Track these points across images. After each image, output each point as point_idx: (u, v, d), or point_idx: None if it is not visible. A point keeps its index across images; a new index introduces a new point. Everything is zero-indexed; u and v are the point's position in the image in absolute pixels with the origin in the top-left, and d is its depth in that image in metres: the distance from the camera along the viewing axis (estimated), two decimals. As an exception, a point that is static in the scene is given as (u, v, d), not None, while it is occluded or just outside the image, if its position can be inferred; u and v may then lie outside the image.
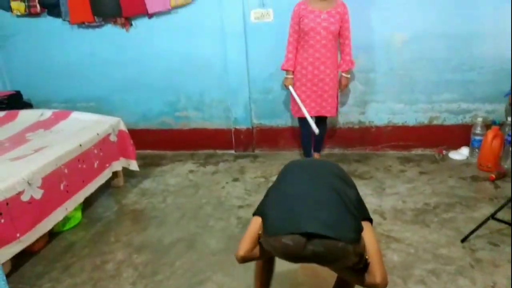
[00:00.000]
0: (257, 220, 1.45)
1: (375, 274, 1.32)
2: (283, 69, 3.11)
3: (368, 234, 1.38)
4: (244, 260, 1.44)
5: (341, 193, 1.42)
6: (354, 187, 1.58)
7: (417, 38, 3.30)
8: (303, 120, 3.17)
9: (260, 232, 1.42)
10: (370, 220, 1.49)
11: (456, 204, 2.72)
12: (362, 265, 1.35)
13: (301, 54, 3.02)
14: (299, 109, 3.10)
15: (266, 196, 1.57)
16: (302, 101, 3.09)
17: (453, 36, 3.24)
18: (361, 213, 1.45)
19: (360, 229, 1.34)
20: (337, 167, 1.69)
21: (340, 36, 3.01)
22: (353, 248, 1.28)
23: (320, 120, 3.23)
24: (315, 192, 1.43)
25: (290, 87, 3.12)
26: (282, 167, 1.72)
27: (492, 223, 2.26)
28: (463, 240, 2.30)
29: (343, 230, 1.28)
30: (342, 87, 3.18)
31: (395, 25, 3.29)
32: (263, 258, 1.59)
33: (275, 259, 1.72)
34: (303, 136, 3.35)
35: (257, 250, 1.46)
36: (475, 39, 3.23)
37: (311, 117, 3.09)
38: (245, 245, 1.43)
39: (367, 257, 1.34)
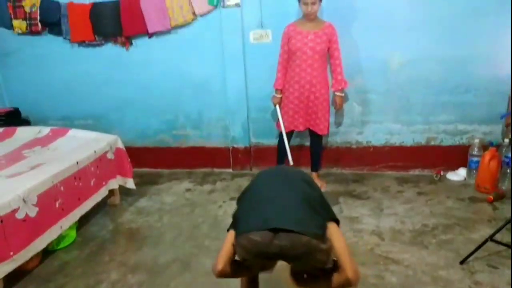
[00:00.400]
0: (232, 234, 1.47)
1: (345, 269, 1.32)
2: (274, 87, 3.23)
3: (334, 233, 1.41)
4: (221, 274, 1.43)
5: (306, 195, 1.50)
6: (318, 191, 1.63)
7: (413, 60, 3.34)
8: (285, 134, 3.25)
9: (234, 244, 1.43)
10: (337, 222, 1.51)
11: (454, 226, 2.70)
12: (331, 265, 1.37)
13: (289, 73, 3.12)
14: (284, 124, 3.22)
15: (238, 205, 1.63)
16: (290, 116, 3.19)
17: (449, 59, 3.28)
18: (327, 214, 1.50)
19: (324, 226, 1.39)
20: (303, 173, 1.74)
21: (330, 57, 3.10)
22: (317, 243, 1.31)
23: (313, 136, 3.30)
24: (282, 193, 1.50)
25: (277, 106, 3.24)
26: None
27: (490, 245, 2.25)
28: (462, 262, 2.27)
29: (308, 226, 1.34)
30: (337, 106, 3.23)
31: (391, 48, 3.34)
32: (240, 275, 1.58)
33: (258, 280, 1.72)
34: (279, 145, 3.36)
35: (233, 267, 1.45)
36: (470, 62, 3.27)
37: (300, 131, 3.23)
38: (222, 259, 1.42)
39: (334, 258, 1.36)
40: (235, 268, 1.45)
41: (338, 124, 3.61)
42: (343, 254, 1.35)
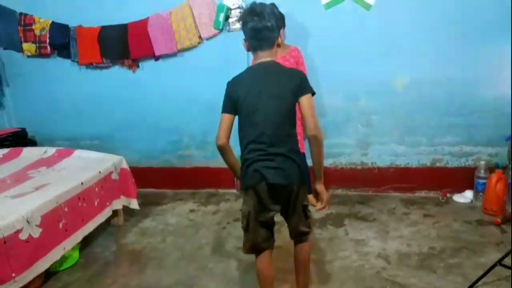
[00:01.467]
0: (227, 116, 1.90)
1: (308, 122, 1.73)
2: None
3: (304, 100, 1.76)
4: (223, 147, 1.85)
5: (290, 122, 1.83)
6: (303, 82, 1.82)
7: (418, 82, 3.36)
8: None
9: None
10: (312, 93, 1.80)
11: (462, 249, 2.66)
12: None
13: None
14: None
15: (229, 100, 1.93)
16: None
17: (454, 81, 3.30)
18: (302, 93, 1.78)
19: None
20: (294, 75, 1.87)
21: None
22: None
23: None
24: (267, 129, 1.81)
25: None
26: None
27: (499, 269, 2.20)
28: (470, 287, 2.22)
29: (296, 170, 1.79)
30: None
31: (396, 70, 3.37)
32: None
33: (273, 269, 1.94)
34: None
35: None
36: (475, 83, 3.29)
37: None
38: (222, 133, 1.85)
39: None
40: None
41: (344, 146, 3.61)
42: (307, 111, 1.74)
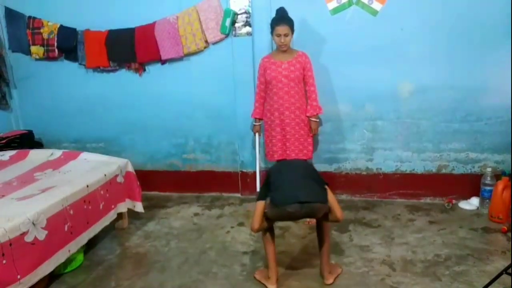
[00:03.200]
0: (261, 203, 2.28)
1: (336, 212, 2.31)
2: (252, 117, 3.37)
3: (328, 193, 2.31)
4: (258, 231, 2.32)
5: (312, 176, 2.40)
6: (315, 172, 2.54)
7: (424, 89, 3.36)
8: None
9: (265, 211, 2.25)
10: (328, 184, 2.40)
11: (467, 257, 2.64)
12: (328, 211, 2.31)
13: (268, 102, 3.24)
14: (274, 153, 3.28)
15: (266, 186, 2.36)
16: (273, 145, 3.27)
17: (460, 87, 3.29)
18: (322, 183, 2.37)
19: (326, 194, 2.28)
20: (305, 162, 2.79)
21: (305, 84, 3.18)
22: (324, 205, 2.26)
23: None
24: (298, 177, 2.35)
25: (256, 135, 3.41)
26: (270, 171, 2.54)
27: (505, 278, 2.17)
28: (476, 296, 2.20)
29: (318, 196, 2.25)
30: (313, 131, 3.27)
31: (402, 76, 3.37)
32: (266, 227, 2.35)
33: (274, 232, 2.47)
34: None
35: (264, 224, 2.29)
36: (481, 90, 3.27)
37: (278, 160, 3.24)
38: (256, 221, 2.27)
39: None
40: (265, 224, 2.31)
41: (348, 151, 3.61)
42: (334, 204, 2.30)
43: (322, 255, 2.43)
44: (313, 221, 3.16)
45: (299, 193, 2.18)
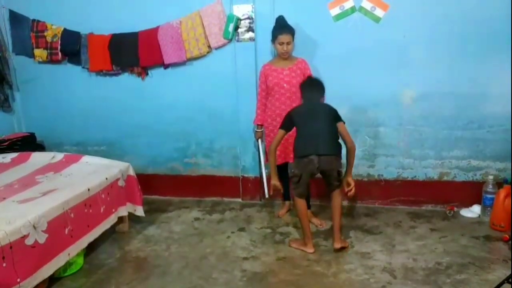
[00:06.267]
0: (282, 132, 2.84)
1: (347, 141, 2.80)
2: (254, 124, 3.41)
3: (341, 126, 2.81)
4: (274, 151, 2.87)
5: (330, 128, 2.79)
6: (336, 115, 2.86)
7: (426, 96, 3.36)
8: (280, 166, 3.22)
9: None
10: (343, 121, 2.84)
11: (469, 265, 2.62)
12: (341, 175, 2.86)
13: (269, 108, 3.28)
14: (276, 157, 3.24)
15: (290, 123, 2.84)
16: (278, 149, 3.22)
17: (462, 95, 3.29)
18: (338, 120, 2.83)
19: (340, 149, 2.81)
20: (330, 108, 2.89)
21: None
22: (338, 158, 2.79)
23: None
24: (318, 130, 2.75)
25: (259, 141, 3.43)
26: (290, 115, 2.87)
27: (507, 287, 2.16)
28: (477, 305, 2.19)
29: (334, 150, 2.76)
30: None
31: (404, 83, 3.37)
32: (301, 193, 2.83)
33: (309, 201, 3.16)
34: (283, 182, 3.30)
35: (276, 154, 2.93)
36: (483, 98, 3.27)
37: (279, 165, 3.18)
38: (275, 143, 2.84)
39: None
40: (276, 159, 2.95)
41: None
42: (344, 133, 2.80)
43: (334, 223, 2.84)
44: (324, 224, 3.23)
45: (318, 147, 2.69)
